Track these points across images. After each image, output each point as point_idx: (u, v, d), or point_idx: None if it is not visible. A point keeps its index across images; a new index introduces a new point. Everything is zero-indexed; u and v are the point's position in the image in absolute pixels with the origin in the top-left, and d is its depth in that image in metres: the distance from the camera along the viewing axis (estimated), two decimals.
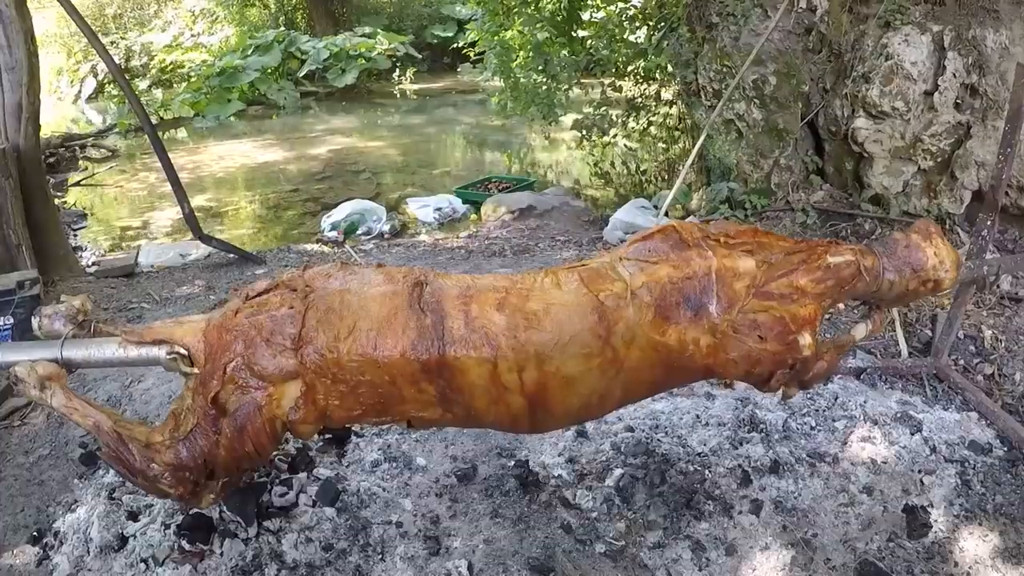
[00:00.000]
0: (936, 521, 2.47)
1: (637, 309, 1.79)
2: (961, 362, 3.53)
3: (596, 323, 1.76)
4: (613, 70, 8.79)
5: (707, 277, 1.84)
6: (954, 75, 4.82)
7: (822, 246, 2.00)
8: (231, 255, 5.92)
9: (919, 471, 2.70)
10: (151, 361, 1.87)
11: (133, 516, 2.52)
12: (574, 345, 1.74)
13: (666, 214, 5.81)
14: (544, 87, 9.11)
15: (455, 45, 15.53)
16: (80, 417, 1.82)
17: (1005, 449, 2.84)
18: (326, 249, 6.32)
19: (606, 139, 8.57)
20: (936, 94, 4.88)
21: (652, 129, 8.80)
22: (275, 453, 2.70)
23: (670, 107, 8.54)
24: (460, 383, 1.74)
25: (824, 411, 3.04)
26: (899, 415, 3.01)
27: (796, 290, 1.91)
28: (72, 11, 4.93)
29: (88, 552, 2.43)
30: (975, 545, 2.39)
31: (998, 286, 4.07)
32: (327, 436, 2.91)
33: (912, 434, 2.88)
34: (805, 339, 1.89)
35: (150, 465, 1.80)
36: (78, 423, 1.83)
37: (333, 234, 6.76)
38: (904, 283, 2.09)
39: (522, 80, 9.38)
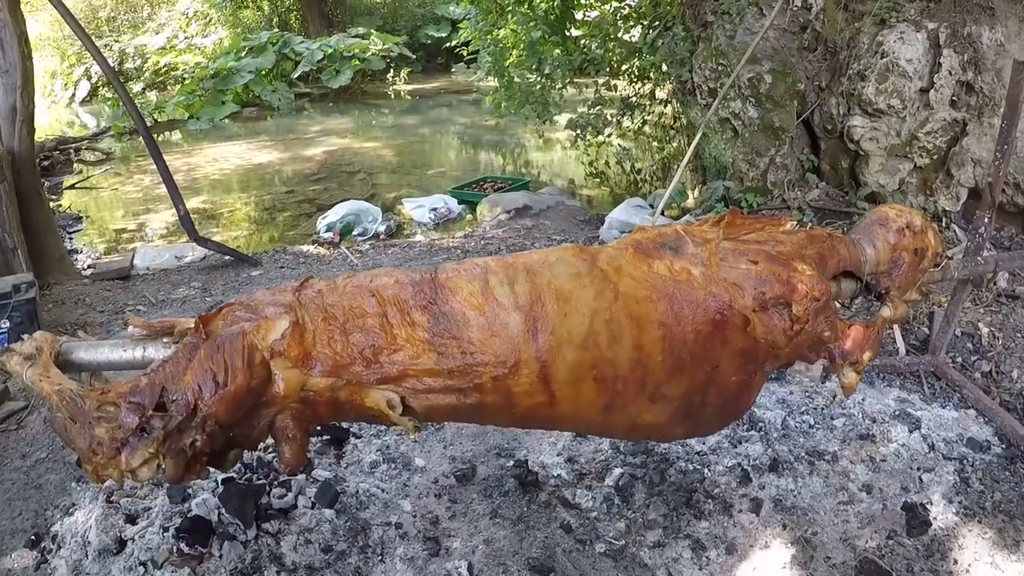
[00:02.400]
0: (935, 518, 2.47)
1: (616, 248, 1.92)
2: (959, 359, 3.54)
3: (579, 252, 1.89)
4: (607, 69, 8.78)
5: (675, 232, 1.95)
6: (950, 72, 4.83)
7: (780, 217, 2.08)
8: (227, 257, 5.92)
9: (918, 469, 2.71)
10: (146, 364, 1.87)
11: (131, 519, 2.52)
12: (561, 265, 1.83)
13: (662, 213, 5.80)
14: (538, 86, 9.09)
15: (448, 45, 15.50)
16: (48, 384, 1.72)
17: (1003, 446, 2.85)
18: (322, 250, 6.30)
19: (601, 138, 8.56)
20: (932, 91, 4.90)
21: (647, 128, 8.79)
22: (270, 455, 2.70)
23: (665, 106, 8.53)
24: (453, 307, 1.75)
25: (822, 409, 3.04)
26: (897, 413, 3.01)
27: (770, 238, 1.96)
28: (66, 14, 4.92)
29: (86, 555, 2.42)
30: (974, 542, 2.39)
31: (995, 283, 4.08)
32: (325, 437, 2.91)
33: (910, 432, 2.89)
34: (800, 265, 1.89)
35: (98, 407, 1.65)
36: (43, 391, 1.72)
37: (329, 235, 6.74)
38: (885, 243, 2.13)
39: (516, 79, 9.35)
